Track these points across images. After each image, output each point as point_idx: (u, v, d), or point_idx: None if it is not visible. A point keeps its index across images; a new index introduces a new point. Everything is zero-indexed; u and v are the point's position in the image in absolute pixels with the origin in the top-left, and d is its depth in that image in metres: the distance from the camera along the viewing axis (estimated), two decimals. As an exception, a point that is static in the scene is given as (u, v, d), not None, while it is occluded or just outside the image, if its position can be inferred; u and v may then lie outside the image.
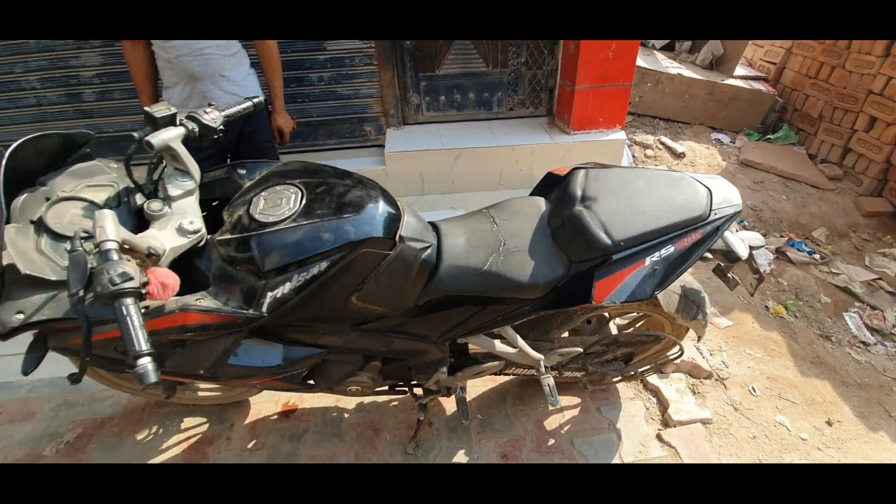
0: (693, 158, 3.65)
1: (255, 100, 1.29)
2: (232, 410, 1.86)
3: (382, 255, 1.06)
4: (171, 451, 1.74)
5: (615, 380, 1.61)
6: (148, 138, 1.00)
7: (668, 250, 1.19)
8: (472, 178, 2.83)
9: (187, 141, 1.09)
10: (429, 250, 1.15)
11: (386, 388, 1.57)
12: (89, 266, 0.80)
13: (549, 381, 1.39)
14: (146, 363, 0.78)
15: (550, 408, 1.85)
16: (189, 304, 0.95)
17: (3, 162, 0.87)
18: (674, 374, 1.98)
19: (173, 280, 0.93)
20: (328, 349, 1.24)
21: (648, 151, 3.63)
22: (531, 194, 1.42)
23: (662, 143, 3.71)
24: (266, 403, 1.87)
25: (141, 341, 0.77)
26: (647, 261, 1.18)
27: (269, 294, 0.98)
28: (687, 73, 3.95)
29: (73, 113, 2.78)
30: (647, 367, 1.74)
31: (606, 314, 1.65)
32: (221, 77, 1.81)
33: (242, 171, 1.23)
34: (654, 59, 4.10)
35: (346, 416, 1.85)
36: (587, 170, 1.33)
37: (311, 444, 1.74)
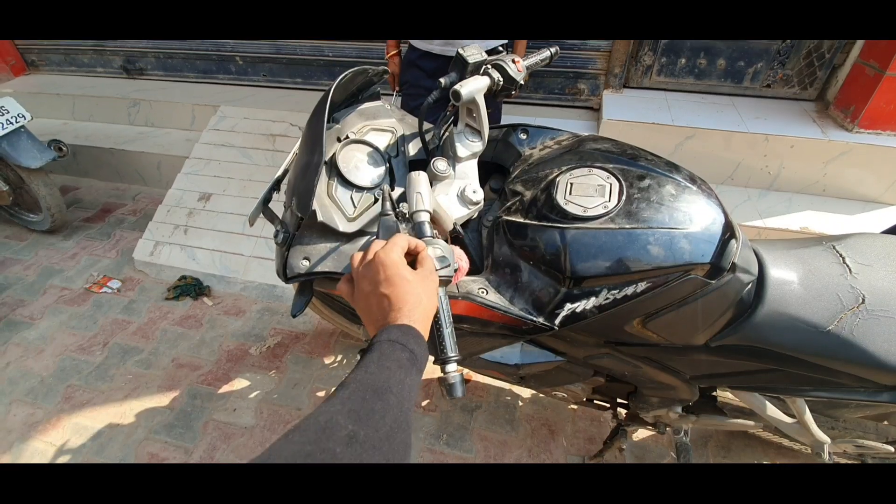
0: None
1: (553, 49, 1.07)
2: (409, 362, 1.86)
3: (705, 284, 0.81)
4: (352, 384, 1.80)
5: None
6: (457, 87, 0.84)
7: None
8: (695, 167, 2.33)
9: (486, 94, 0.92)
10: (750, 285, 0.88)
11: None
12: None
13: (834, 475, 1.05)
14: (455, 373, 0.66)
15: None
16: (473, 294, 0.82)
17: (330, 94, 0.78)
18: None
19: (466, 263, 0.80)
20: (567, 358, 1.07)
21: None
22: (889, 231, 1.02)
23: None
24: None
25: (450, 343, 0.65)
26: None
27: (568, 306, 0.80)
28: None
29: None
30: None
31: None
32: None
33: (523, 137, 1.04)
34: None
35: (520, 403, 1.73)
36: None
37: (483, 424, 1.67)
